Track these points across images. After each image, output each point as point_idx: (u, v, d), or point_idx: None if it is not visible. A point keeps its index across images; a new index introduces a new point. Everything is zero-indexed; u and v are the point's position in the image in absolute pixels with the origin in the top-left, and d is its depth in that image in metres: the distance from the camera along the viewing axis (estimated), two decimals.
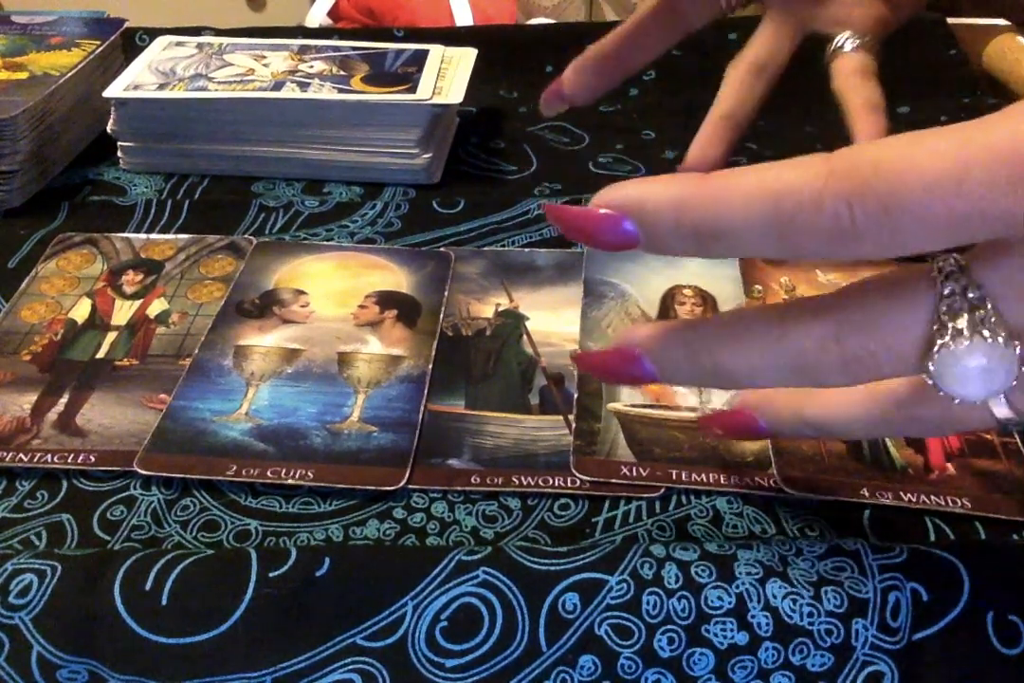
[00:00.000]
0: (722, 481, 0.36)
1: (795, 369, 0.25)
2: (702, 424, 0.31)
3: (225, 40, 0.61)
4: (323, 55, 0.59)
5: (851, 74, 0.47)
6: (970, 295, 0.22)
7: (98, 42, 0.60)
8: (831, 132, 0.61)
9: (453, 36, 0.67)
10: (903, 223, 0.20)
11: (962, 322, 0.22)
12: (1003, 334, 0.22)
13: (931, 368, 0.23)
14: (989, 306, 0.22)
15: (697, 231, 0.23)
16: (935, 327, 0.23)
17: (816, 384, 0.25)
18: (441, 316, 0.45)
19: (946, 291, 0.22)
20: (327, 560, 0.31)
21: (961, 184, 0.20)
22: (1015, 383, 0.23)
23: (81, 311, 0.45)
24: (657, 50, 0.48)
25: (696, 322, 0.27)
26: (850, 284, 0.24)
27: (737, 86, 0.48)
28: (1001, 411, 0.24)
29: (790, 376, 0.25)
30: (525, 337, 0.44)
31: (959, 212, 0.20)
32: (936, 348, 0.23)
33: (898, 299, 0.23)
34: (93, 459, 0.37)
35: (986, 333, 0.22)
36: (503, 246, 0.50)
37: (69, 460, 0.37)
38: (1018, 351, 0.23)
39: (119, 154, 0.57)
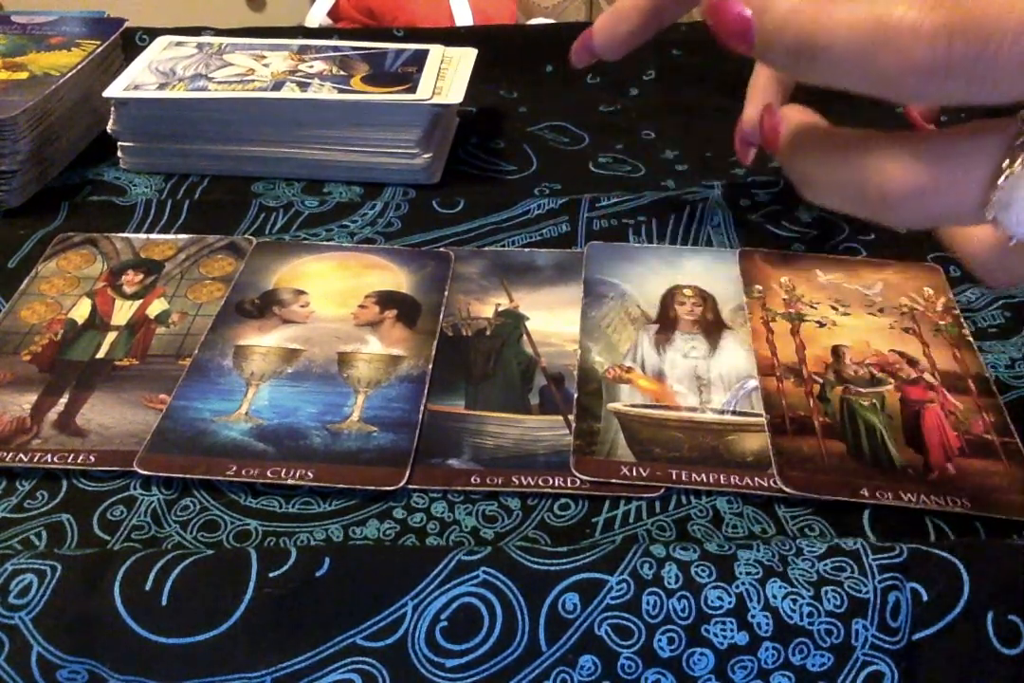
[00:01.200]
0: (722, 481, 0.36)
1: (857, 194, 0.25)
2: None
3: (225, 40, 0.61)
4: (323, 55, 0.59)
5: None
6: None
7: (98, 42, 0.60)
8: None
9: (453, 36, 0.67)
10: (1000, 59, 0.21)
11: None
12: None
13: (994, 197, 0.23)
14: None
15: (798, 45, 0.24)
16: (1007, 160, 0.23)
17: (878, 216, 0.26)
18: (441, 316, 0.45)
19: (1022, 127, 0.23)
20: (327, 560, 0.31)
21: None
22: None
23: (81, 311, 0.45)
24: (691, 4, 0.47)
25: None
26: (933, 129, 0.25)
27: (766, 89, 0.48)
28: None
29: (853, 204, 0.26)
30: (525, 337, 0.44)
31: None
32: (1004, 176, 0.23)
33: (974, 135, 0.24)
34: (93, 459, 0.37)
35: None
36: (503, 246, 0.50)
37: (69, 460, 0.37)
38: None
39: (119, 154, 0.57)
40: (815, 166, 0.26)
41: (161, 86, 0.55)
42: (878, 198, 0.25)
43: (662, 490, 0.36)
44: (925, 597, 0.30)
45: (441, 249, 0.50)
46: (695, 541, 0.33)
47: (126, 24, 0.63)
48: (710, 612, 0.30)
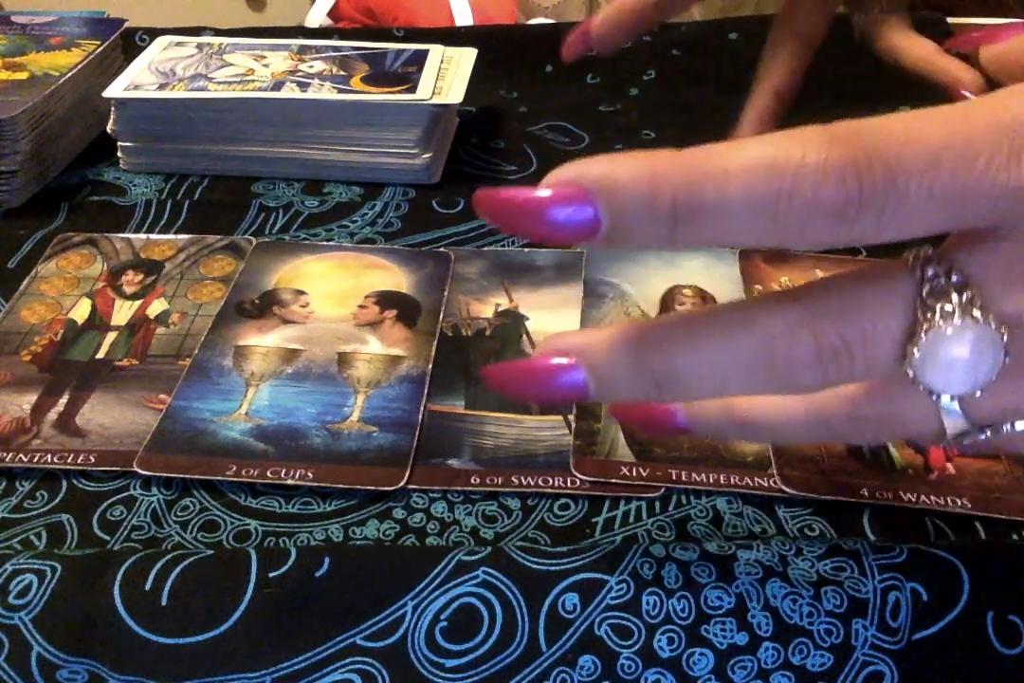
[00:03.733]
0: (722, 481, 0.36)
1: (762, 366, 0.22)
2: (617, 415, 0.29)
3: (225, 40, 0.61)
4: (323, 55, 0.59)
5: (896, 32, 0.49)
6: (953, 278, 0.21)
7: (98, 42, 0.59)
8: None
9: (453, 36, 0.67)
10: (910, 195, 0.19)
11: (950, 304, 0.21)
12: (992, 318, 0.21)
13: (915, 354, 0.21)
14: (974, 289, 0.21)
15: (676, 208, 0.20)
16: (919, 312, 0.21)
17: (786, 388, 0.23)
18: (441, 316, 0.45)
19: (928, 273, 0.21)
20: (327, 560, 0.31)
21: (965, 155, 0.19)
22: (994, 378, 0.22)
23: (81, 311, 0.45)
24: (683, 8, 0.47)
25: (645, 323, 0.23)
26: (822, 278, 0.22)
27: (785, 58, 0.48)
28: (954, 423, 0.23)
29: (756, 376, 0.22)
30: (525, 337, 0.44)
31: (963, 183, 0.19)
32: (923, 331, 0.21)
33: (876, 284, 0.22)
34: (93, 459, 0.37)
35: (976, 314, 0.21)
36: (503, 246, 0.50)
37: (69, 460, 0.37)
38: (1005, 339, 0.21)
39: (119, 154, 0.57)
40: (690, 354, 0.22)
41: (161, 86, 0.55)
42: (790, 363, 0.22)
43: (662, 490, 0.36)
44: (925, 597, 0.30)
45: (441, 249, 0.50)
46: (695, 541, 0.33)
47: (126, 24, 0.63)
48: (710, 612, 0.30)
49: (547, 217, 0.20)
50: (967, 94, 0.46)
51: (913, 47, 0.49)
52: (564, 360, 0.23)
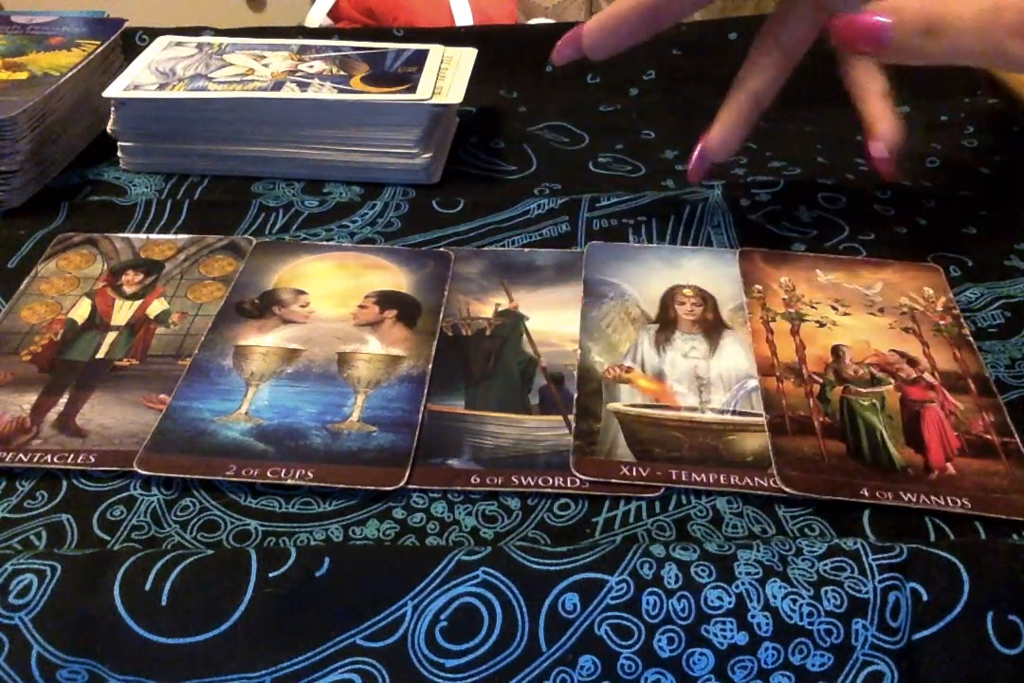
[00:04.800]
0: (722, 481, 0.36)
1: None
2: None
3: (225, 40, 0.61)
4: (323, 55, 0.59)
5: (860, 64, 0.49)
6: None
7: (98, 42, 0.60)
8: (830, 132, 0.61)
9: (453, 36, 0.67)
10: None
11: None
12: None
13: None
14: None
15: (929, 24, 0.33)
16: None
17: None
18: (441, 316, 0.45)
19: None
20: (327, 560, 0.31)
21: None
22: None
23: (81, 311, 0.45)
24: (681, 17, 0.47)
25: None
26: None
27: (767, 66, 0.47)
28: None
29: None
30: (525, 337, 0.44)
31: None
32: None
33: None
34: (93, 459, 0.37)
35: None
36: (503, 246, 0.50)
37: (69, 460, 0.37)
38: None
39: (119, 154, 0.57)
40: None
41: (161, 86, 0.55)
42: None
43: (662, 490, 0.36)
44: (925, 597, 0.30)
45: (441, 249, 0.50)
46: (695, 541, 0.33)
47: (126, 24, 0.63)
48: (710, 612, 0.30)
49: (856, 31, 0.36)
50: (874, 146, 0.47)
51: (863, 82, 0.49)
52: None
